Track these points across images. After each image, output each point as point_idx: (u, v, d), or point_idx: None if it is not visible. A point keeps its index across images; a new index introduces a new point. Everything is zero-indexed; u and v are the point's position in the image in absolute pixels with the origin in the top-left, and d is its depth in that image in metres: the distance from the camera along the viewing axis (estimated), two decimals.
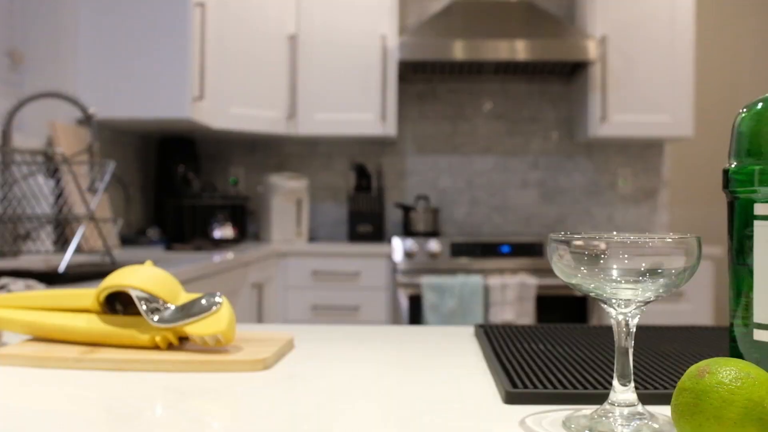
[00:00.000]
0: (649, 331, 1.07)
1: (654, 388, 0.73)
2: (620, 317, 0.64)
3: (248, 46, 3.42)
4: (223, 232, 3.34)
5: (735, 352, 0.66)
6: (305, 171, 3.96)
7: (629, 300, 0.64)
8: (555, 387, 0.74)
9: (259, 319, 3.01)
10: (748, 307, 0.65)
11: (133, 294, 0.89)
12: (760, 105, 0.66)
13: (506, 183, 3.95)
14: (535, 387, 0.73)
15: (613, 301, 0.64)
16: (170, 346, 0.91)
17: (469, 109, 3.97)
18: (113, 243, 3.02)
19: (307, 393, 0.76)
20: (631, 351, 0.64)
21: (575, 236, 0.63)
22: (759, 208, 0.64)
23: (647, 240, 0.63)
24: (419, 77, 3.92)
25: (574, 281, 0.64)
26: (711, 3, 3.96)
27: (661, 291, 0.63)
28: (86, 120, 2.44)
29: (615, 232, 0.65)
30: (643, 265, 0.62)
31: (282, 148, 3.97)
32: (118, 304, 0.95)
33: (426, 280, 3.26)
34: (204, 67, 3.08)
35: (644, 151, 3.95)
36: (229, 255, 2.67)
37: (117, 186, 3.29)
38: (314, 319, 3.34)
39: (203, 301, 0.89)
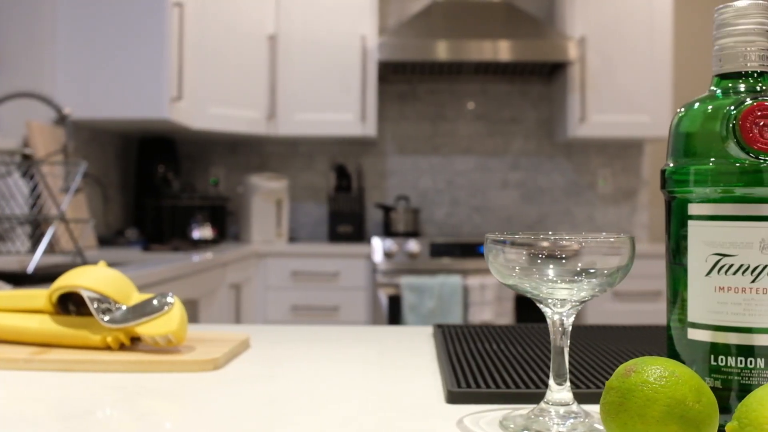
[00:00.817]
0: (597, 331, 1.08)
1: (596, 387, 0.74)
2: (556, 317, 0.65)
3: (227, 47, 3.41)
4: (202, 232, 3.33)
5: (672, 351, 0.66)
6: (286, 171, 3.95)
7: (565, 300, 0.64)
8: (498, 387, 0.74)
9: (237, 319, 3.01)
10: (684, 306, 0.65)
11: (85, 294, 0.89)
12: (696, 105, 0.66)
13: (486, 183, 3.96)
14: (478, 387, 0.74)
15: (549, 301, 0.64)
16: (122, 347, 0.91)
17: (449, 110, 3.97)
18: (90, 243, 3.01)
19: (253, 394, 0.76)
20: (566, 350, 0.65)
21: (510, 236, 0.64)
22: (693, 209, 0.65)
23: (581, 240, 0.63)
24: (399, 78, 3.93)
25: (510, 282, 0.64)
26: (689, 3, 3.98)
27: (596, 290, 0.64)
28: (61, 120, 2.43)
29: (550, 232, 0.65)
30: (579, 265, 0.63)
31: (263, 149, 3.97)
32: (71, 304, 0.94)
33: (405, 281, 3.26)
34: (182, 67, 3.07)
35: (624, 152, 3.96)
36: (206, 255, 2.67)
37: (95, 186, 3.28)
38: (294, 319, 3.34)
39: (155, 302, 0.89)
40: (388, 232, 3.71)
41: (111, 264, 2.27)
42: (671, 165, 0.66)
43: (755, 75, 0.66)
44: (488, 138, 3.97)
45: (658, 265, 3.17)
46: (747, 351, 0.62)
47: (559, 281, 0.63)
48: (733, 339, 0.62)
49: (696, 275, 0.64)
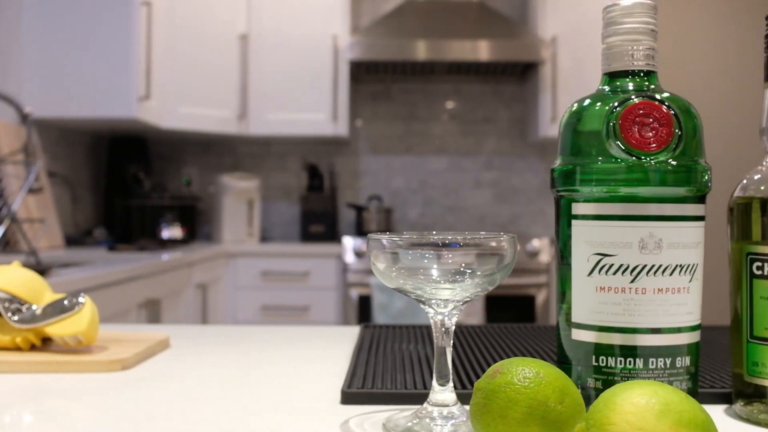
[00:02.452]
0: (501, 330, 1.07)
1: None
2: (438, 318, 0.64)
3: (198, 46, 3.39)
4: (172, 232, 3.32)
5: (560, 351, 0.66)
6: (259, 171, 3.94)
7: (447, 300, 0.63)
8: (396, 387, 0.73)
9: (204, 320, 3.00)
10: (569, 307, 0.65)
11: None
12: (584, 103, 0.66)
13: (460, 183, 3.96)
14: (374, 387, 0.73)
15: (433, 301, 0.64)
16: (33, 348, 0.90)
17: (422, 110, 3.97)
18: (57, 243, 3.00)
19: (155, 394, 0.75)
20: (449, 351, 0.64)
21: (390, 236, 0.63)
22: (577, 208, 0.64)
23: (462, 240, 0.63)
24: (373, 77, 3.92)
25: (392, 283, 0.64)
26: (659, 3, 3.98)
27: (478, 290, 0.63)
28: (23, 119, 2.41)
29: (434, 232, 0.65)
30: (462, 264, 0.62)
31: (236, 148, 3.96)
32: None
33: (375, 280, 3.25)
34: (150, 66, 3.06)
35: None
36: (170, 255, 2.65)
37: (63, 186, 3.26)
38: (264, 319, 3.33)
39: (65, 302, 0.88)
40: (360, 231, 3.70)
41: (71, 264, 2.26)
42: (558, 163, 0.66)
43: (642, 74, 0.65)
44: (461, 138, 3.96)
45: None
46: (627, 351, 0.62)
47: (442, 281, 0.63)
48: (613, 339, 0.62)
49: (579, 275, 0.64)
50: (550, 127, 3.56)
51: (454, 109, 3.95)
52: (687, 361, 0.63)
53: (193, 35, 3.38)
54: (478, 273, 0.62)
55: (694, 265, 0.62)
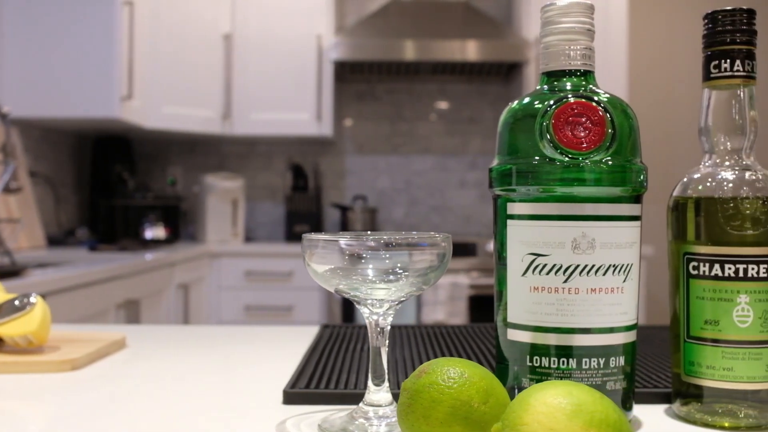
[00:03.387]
0: (471, 331, 1.07)
1: None
2: (373, 318, 0.64)
3: (181, 46, 3.39)
4: (155, 232, 3.31)
5: (498, 351, 0.66)
6: (244, 171, 3.93)
7: (383, 300, 0.63)
8: (341, 388, 0.73)
9: (186, 320, 2.99)
10: (506, 307, 0.65)
11: None
12: (522, 102, 0.66)
13: (445, 183, 3.96)
14: (317, 387, 0.73)
15: (369, 301, 0.64)
16: None
17: (408, 110, 3.97)
18: (39, 243, 2.99)
19: (101, 395, 0.75)
20: (384, 351, 0.64)
21: (325, 236, 0.63)
22: (512, 208, 0.64)
23: (396, 240, 0.62)
24: (358, 77, 3.92)
25: (328, 283, 0.63)
26: (644, 4, 3.99)
27: (412, 289, 0.63)
28: (1, 118, 2.40)
29: (369, 232, 0.65)
30: (398, 264, 0.62)
31: (221, 148, 3.95)
32: None
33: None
34: (132, 66, 3.05)
35: None
36: (148, 256, 2.65)
37: (46, 186, 3.25)
38: (247, 319, 3.32)
39: (16, 302, 0.88)
40: (345, 231, 3.69)
41: (48, 264, 2.26)
42: (495, 163, 0.66)
43: (579, 74, 0.65)
44: (447, 138, 3.96)
45: None
46: (561, 351, 0.62)
47: (377, 281, 0.62)
48: (547, 339, 0.62)
49: (514, 275, 0.64)
50: None
51: (440, 110, 3.95)
52: (622, 360, 0.62)
53: (177, 35, 3.37)
54: (413, 273, 0.62)
55: (628, 265, 0.62)
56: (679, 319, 0.66)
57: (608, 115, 0.62)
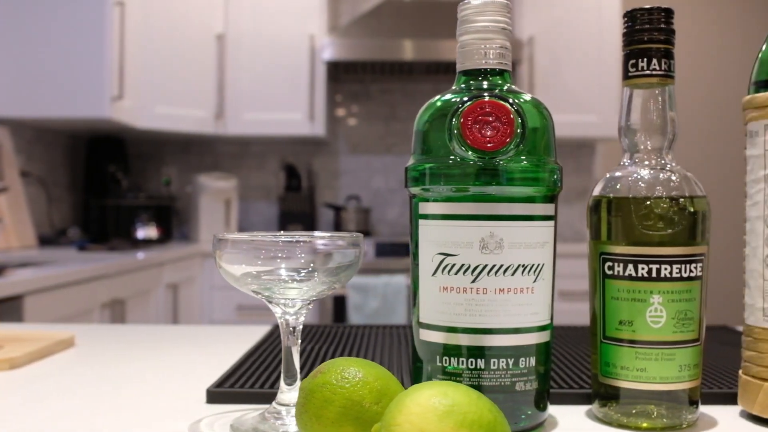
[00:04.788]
0: (393, 330, 1.07)
1: None
2: (285, 318, 0.64)
3: (174, 46, 3.39)
4: (147, 232, 3.32)
5: (413, 350, 0.66)
6: (238, 171, 3.94)
7: (295, 299, 0.63)
8: (263, 387, 0.73)
9: (175, 320, 3.00)
10: (418, 307, 0.65)
11: None
12: (436, 101, 0.66)
13: None
14: (243, 387, 0.73)
15: (282, 300, 0.64)
16: None
17: (402, 110, 3.96)
18: (30, 243, 3.00)
19: (34, 394, 0.75)
20: (296, 350, 0.64)
21: (237, 236, 0.63)
22: (423, 207, 0.64)
23: (307, 238, 0.62)
24: (351, 77, 3.92)
25: (239, 283, 0.63)
26: (637, 4, 3.97)
27: (324, 288, 0.63)
28: None
29: (282, 232, 0.65)
30: (311, 264, 0.62)
31: (215, 148, 3.96)
32: None
33: (350, 280, 3.24)
34: (123, 66, 3.06)
35: (576, 151, 3.96)
36: (137, 255, 2.66)
37: (38, 186, 3.26)
38: (239, 319, 3.33)
39: None
40: (339, 231, 3.69)
41: (32, 263, 2.26)
42: (410, 163, 0.66)
43: (495, 72, 0.65)
44: None
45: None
46: (470, 352, 0.61)
47: (289, 281, 0.62)
48: (456, 340, 0.62)
49: (425, 275, 0.63)
50: None
51: None
52: (533, 361, 0.62)
53: (170, 35, 3.38)
54: (324, 272, 0.62)
55: (539, 265, 0.62)
56: (597, 320, 0.66)
57: (519, 115, 0.61)
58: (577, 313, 3.22)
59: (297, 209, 3.69)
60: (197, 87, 3.50)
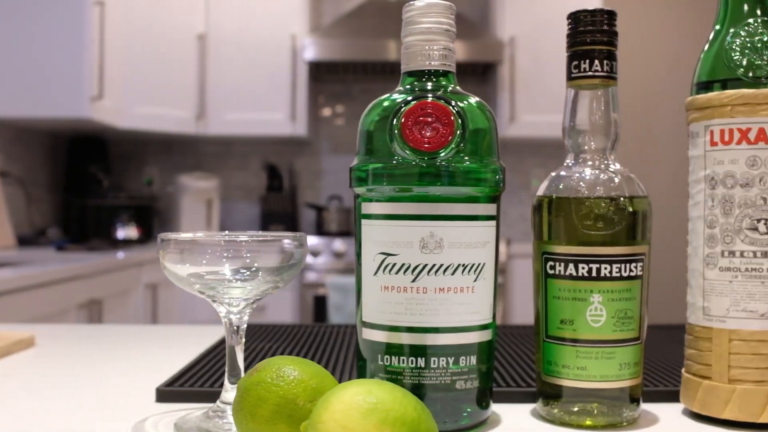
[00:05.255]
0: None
1: None
2: (229, 316, 0.64)
3: (155, 46, 3.39)
4: (127, 232, 3.31)
5: (357, 349, 0.66)
6: (220, 171, 3.94)
7: (239, 298, 0.64)
8: (214, 386, 0.73)
9: (154, 320, 2.99)
10: (362, 306, 0.65)
11: None
12: (380, 102, 0.66)
13: None
14: (194, 386, 0.73)
15: (226, 300, 0.64)
16: None
17: None
18: (8, 243, 2.99)
19: None
20: (240, 349, 0.64)
21: (180, 236, 0.63)
22: (365, 207, 0.64)
23: (247, 238, 0.63)
24: (333, 77, 3.92)
25: (183, 283, 0.64)
26: (616, 5, 3.99)
27: (267, 287, 0.63)
28: None
29: (227, 232, 0.65)
30: (255, 264, 0.63)
31: (198, 148, 3.95)
32: None
33: (330, 280, 3.25)
34: (103, 66, 3.05)
35: (558, 152, 3.97)
36: (115, 255, 2.65)
37: (18, 186, 3.25)
38: (220, 320, 3.32)
39: None
40: (321, 231, 3.70)
41: (8, 263, 2.26)
42: (354, 163, 0.66)
43: (439, 74, 0.66)
44: None
45: None
46: (411, 351, 0.62)
47: (233, 280, 0.63)
48: (397, 338, 0.62)
49: (367, 275, 0.64)
50: (509, 126, 3.57)
51: None
52: (474, 360, 0.63)
53: (150, 35, 3.37)
54: (267, 271, 0.62)
55: (480, 264, 0.63)
56: (539, 319, 0.67)
57: (459, 116, 0.62)
58: None
59: (279, 209, 3.69)
60: (178, 87, 3.49)
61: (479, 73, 3.82)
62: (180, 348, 0.98)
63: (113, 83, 3.18)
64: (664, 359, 0.87)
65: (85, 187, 3.50)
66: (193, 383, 0.74)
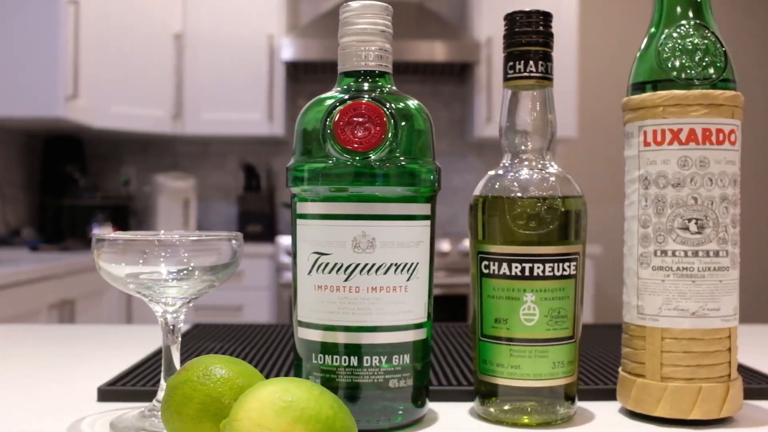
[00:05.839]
0: None
1: None
2: (165, 316, 0.65)
3: (131, 45, 3.37)
4: (102, 232, 3.30)
5: (294, 348, 0.66)
6: (197, 171, 3.93)
7: (175, 298, 0.64)
8: (156, 385, 0.73)
9: (129, 320, 2.98)
10: (297, 306, 0.65)
11: None
12: (316, 102, 0.67)
13: None
14: (136, 386, 0.73)
15: (162, 299, 0.64)
16: None
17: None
18: None
19: None
20: (175, 348, 0.65)
21: (114, 236, 0.63)
22: (300, 207, 0.65)
23: (181, 238, 0.63)
24: (311, 77, 3.92)
25: (119, 283, 0.64)
26: (594, 6, 4.01)
27: (203, 286, 0.64)
28: None
29: (162, 231, 0.65)
30: (191, 264, 0.63)
31: (175, 148, 3.94)
32: None
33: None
34: (78, 65, 3.04)
35: None
36: (91, 255, 2.64)
37: None
38: (197, 319, 3.32)
39: None
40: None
41: None
42: (290, 163, 0.66)
43: (375, 74, 0.66)
44: None
45: None
46: (344, 349, 0.62)
47: (169, 280, 0.63)
48: (330, 337, 0.63)
49: (301, 274, 0.64)
50: (486, 126, 3.58)
51: None
52: (408, 358, 0.63)
53: (126, 35, 3.36)
54: (203, 270, 0.63)
55: (413, 264, 0.63)
56: (476, 318, 0.67)
57: (392, 117, 0.62)
58: None
59: (256, 209, 3.69)
60: (155, 86, 3.48)
61: (456, 74, 3.82)
62: (136, 348, 0.98)
63: (88, 83, 3.17)
64: (606, 358, 0.87)
65: (61, 187, 3.48)
66: (136, 383, 0.74)
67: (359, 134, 0.61)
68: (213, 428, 0.53)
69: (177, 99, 3.52)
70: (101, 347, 1.01)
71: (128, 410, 0.67)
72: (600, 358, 0.87)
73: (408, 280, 0.63)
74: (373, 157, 0.61)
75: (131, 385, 0.74)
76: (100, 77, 3.25)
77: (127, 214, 3.55)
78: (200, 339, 0.99)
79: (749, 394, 0.73)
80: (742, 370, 0.82)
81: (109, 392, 0.72)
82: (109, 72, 3.30)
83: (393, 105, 0.63)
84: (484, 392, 0.67)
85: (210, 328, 1.08)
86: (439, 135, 3.94)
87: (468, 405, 0.71)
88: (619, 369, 0.70)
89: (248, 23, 3.54)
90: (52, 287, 2.33)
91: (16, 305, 2.11)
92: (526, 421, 0.65)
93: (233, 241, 0.64)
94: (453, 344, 0.97)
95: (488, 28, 3.59)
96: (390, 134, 0.62)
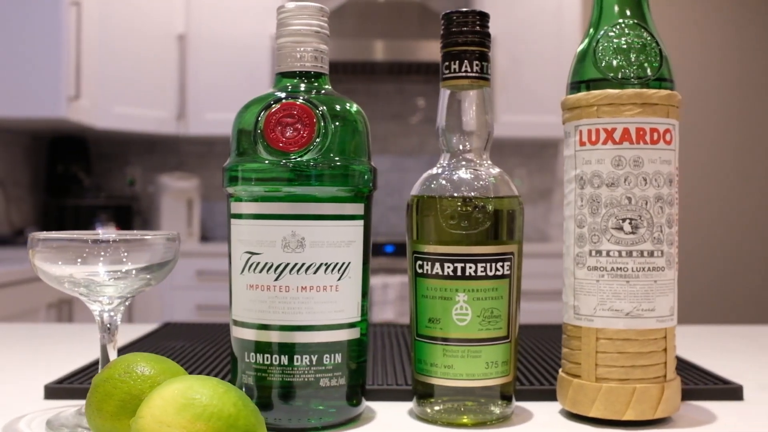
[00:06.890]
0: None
1: None
2: (102, 314, 0.65)
3: (134, 46, 3.40)
4: (105, 230, 3.32)
5: (232, 348, 0.67)
6: (203, 171, 3.94)
7: (112, 296, 0.65)
8: None
9: (130, 319, 3.00)
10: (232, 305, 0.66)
11: None
12: (252, 103, 0.67)
13: (403, 183, 3.97)
14: (83, 383, 0.74)
15: (101, 297, 0.65)
16: None
17: (365, 109, 3.96)
18: None
19: None
20: (111, 347, 0.65)
21: (49, 235, 0.64)
22: (234, 207, 0.65)
23: (115, 237, 0.64)
24: None
25: (55, 282, 0.65)
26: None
27: (140, 285, 0.64)
28: None
29: (100, 230, 0.66)
30: (129, 263, 0.64)
31: (180, 148, 3.96)
32: None
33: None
34: (80, 66, 3.06)
35: (540, 152, 3.98)
36: None
37: None
38: (199, 319, 3.33)
39: None
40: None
41: None
42: (226, 163, 0.67)
43: (310, 75, 0.66)
44: (404, 138, 3.97)
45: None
46: (275, 349, 0.63)
47: (107, 279, 0.64)
48: (262, 336, 0.63)
49: (235, 273, 0.65)
50: None
51: (396, 109, 3.96)
52: (340, 358, 0.63)
53: (129, 36, 3.38)
54: (139, 269, 0.63)
55: (344, 263, 0.63)
56: (411, 318, 0.67)
57: (322, 118, 0.63)
58: (546, 313, 3.23)
59: None
60: (158, 87, 3.50)
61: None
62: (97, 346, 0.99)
63: (91, 83, 3.19)
64: (550, 358, 0.87)
65: (65, 187, 3.51)
66: (84, 381, 0.75)
67: (288, 134, 0.62)
68: None
69: (180, 99, 3.54)
70: (70, 345, 1.01)
71: (67, 408, 0.67)
72: (546, 358, 0.87)
73: (339, 279, 0.63)
74: (304, 158, 0.62)
75: (78, 383, 0.74)
76: (102, 78, 3.28)
77: (131, 214, 3.57)
78: (166, 338, 1.00)
79: (693, 394, 0.73)
80: (694, 370, 0.82)
81: (55, 390, 0.73)
82: (112, 73, 3.32)
83: (325, 106, 0.64)
84: (420, 392, 0.67)
85: (180, 327, 1.08)
86: None
87: (408, 405, 0.71)
88: (560, 369, 0.70)
89: (251, 23, 3.56)
90: (51, 286, 2.35)
91: (14, 304, 2.13)
92: (461, 421, 0.65)
93: (169, 241, 0.64)
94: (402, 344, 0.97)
95: (491, 28, 3.57)
96: (320, 135, 0.62)
